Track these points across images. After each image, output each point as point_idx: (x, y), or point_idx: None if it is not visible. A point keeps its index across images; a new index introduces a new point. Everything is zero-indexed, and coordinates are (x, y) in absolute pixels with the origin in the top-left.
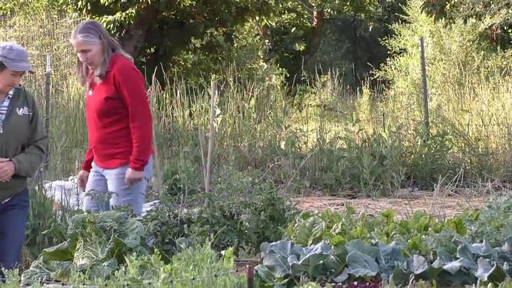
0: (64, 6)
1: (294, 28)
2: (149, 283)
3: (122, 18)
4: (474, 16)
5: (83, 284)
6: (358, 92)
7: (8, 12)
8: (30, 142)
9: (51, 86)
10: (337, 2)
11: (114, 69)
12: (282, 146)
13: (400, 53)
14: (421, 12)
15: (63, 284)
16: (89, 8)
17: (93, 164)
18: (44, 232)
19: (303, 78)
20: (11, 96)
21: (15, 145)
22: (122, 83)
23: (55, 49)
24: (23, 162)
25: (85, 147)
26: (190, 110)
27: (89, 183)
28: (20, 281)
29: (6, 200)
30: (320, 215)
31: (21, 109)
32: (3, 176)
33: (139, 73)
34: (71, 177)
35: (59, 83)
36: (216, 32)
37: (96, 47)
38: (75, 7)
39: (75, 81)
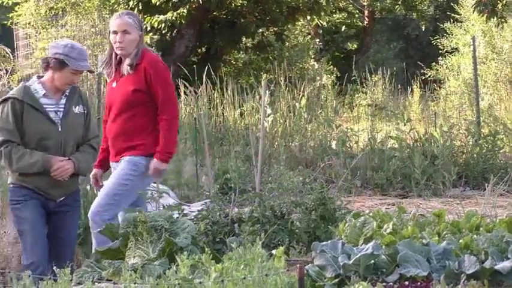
0: (115, 5)
1: (345, 27)
2: (200, 282)
3: (173, 18)
4: None
5: (134, 283)
6: (409, 92)
7: (60, 12)
8: (83, 141)
9: (102, 86)
10: (388, 1)
11: (144, 62)
12: (333, 146)
13: (452, 52)
14: (473, 12)
15: (114, 283)
16: (140, 7)
17: (111, 163)
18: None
19: (354, 77)
20: (67, 94)
21: (72, 143)
22: (154, 76)
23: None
24: (81, 162)
25: None
26: (241, 110)
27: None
28: (71, 280)
29: (61, 199)
30: (371, 214)
31: (77, 107)
32: (63, 175)
33: (167, 68)
34: None
35: None
36: (267, 32)
37: (135, 34)
38: (126, 7)
39: None
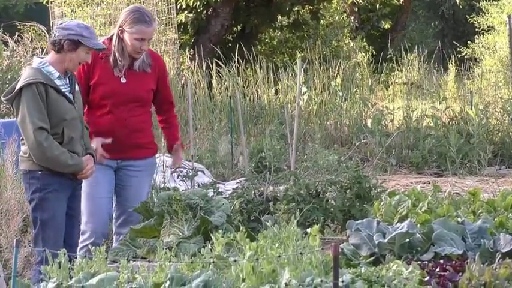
0: None
1: (379, 6)
2: (235, 261)
3: None
4: None
5: (169, 261)
6: (444, 70)
7: None
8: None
9: None
10: None
11: (157, 61)
12: (368, 124)
13: (488, 30)
14: None
15: (149, 261)
16: None
17: (113, 160)
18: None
19: (389, 56)
20: (68, 73)
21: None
22: (165, 77)
23: None
24: (93, 150)
25: None
26: (276, 88)
27: (102, 181)
28: (106, 258)
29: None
30: (406, 193)
31: (76, 85)
32: (88, 175)
33: None
34: (157, 155)
35: None
36: (302, 10)
37: None
38: None
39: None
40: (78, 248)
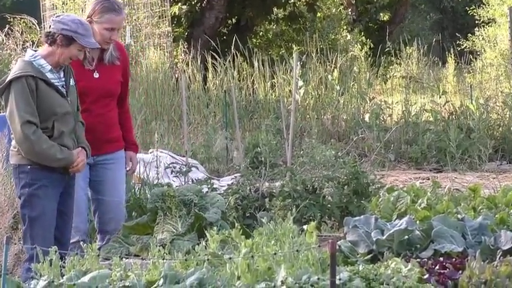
0: None
1: None
2: (230, 258)
3: None
4: None
5: (163, 259)
6: (445, 63)
7: None
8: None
9: (130, 58)
10: None
11: (123, 51)
12: (366, 119)
13: (489, 23)
14: None
15: (142, 259)
16: None
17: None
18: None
19: (388, 49)
20: (63, 67)
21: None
22: (128, 69)
23: (135, 19)
24: (88, 145)
25: (165, 119)
26: (272, 82)
27: (78, 178)
28: (99, 255)
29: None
30: (405, 189)
31: (71, 79)
32: (80, 168)
33: None
34: (150, 150)
35: (138, 54)
36: (298, 2)
37: None
38: None
39: (155, 53)
40: None
